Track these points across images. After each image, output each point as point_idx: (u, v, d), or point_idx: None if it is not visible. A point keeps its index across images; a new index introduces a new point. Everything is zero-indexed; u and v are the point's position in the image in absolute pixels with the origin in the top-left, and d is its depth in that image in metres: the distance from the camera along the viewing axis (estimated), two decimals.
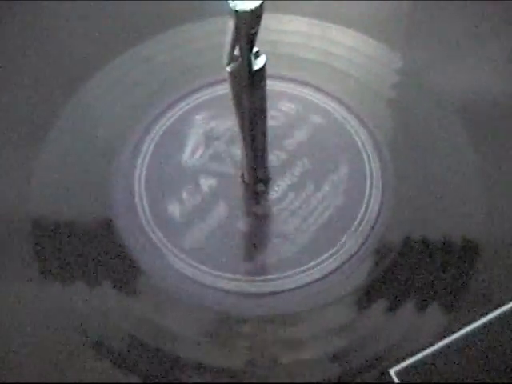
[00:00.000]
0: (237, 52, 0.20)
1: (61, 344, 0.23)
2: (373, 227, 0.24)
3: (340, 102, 0.27)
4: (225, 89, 0.22)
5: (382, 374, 0.20)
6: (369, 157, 0.26)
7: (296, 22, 0.30)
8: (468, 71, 0.29)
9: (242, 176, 0.26)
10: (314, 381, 0.21)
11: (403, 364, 0.20)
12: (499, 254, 0.24)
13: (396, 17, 0.31)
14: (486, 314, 0.21)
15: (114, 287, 0.24)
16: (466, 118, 0.27)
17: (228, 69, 0.21)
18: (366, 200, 0.25)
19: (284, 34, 0.29)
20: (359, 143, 0.26)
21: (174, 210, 0.25)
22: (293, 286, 0.23)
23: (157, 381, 0.22)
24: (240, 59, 0.20)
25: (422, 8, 0.31)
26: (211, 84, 0.28)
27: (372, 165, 0.26)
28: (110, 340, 0.23)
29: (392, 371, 0.19)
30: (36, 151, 0.28)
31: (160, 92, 0.28)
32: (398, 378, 0.19)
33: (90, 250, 0.25)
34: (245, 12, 0.18)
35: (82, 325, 0.23)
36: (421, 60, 0.29)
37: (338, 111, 0.27)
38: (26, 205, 0.26)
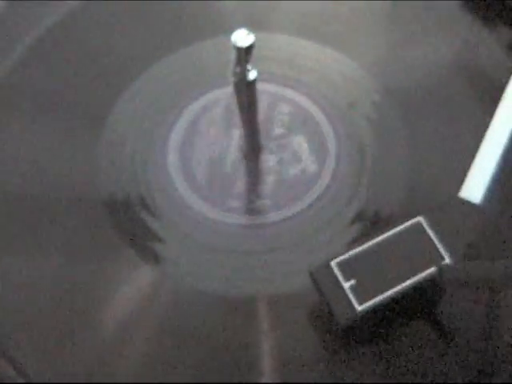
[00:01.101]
0: (238, 69, 0.32)
1: None
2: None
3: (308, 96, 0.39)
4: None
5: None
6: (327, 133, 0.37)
7: (278, 39, 0.41)
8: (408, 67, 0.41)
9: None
10: None
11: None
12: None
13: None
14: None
15: None
16: (399, 101, 0.38)
17: (233, 80, 0.33)
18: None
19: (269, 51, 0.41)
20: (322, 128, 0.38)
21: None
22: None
23: None
24: (240, 74, 0.32)
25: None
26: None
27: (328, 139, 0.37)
28: None
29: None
30: (96, 136, 0.38)
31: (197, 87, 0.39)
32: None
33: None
34: (242, 47, 0.30)
35: None
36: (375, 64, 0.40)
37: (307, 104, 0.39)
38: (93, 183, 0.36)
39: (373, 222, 0.34)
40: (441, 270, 0.29)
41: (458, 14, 0.42)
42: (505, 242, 0.33)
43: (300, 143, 0.37)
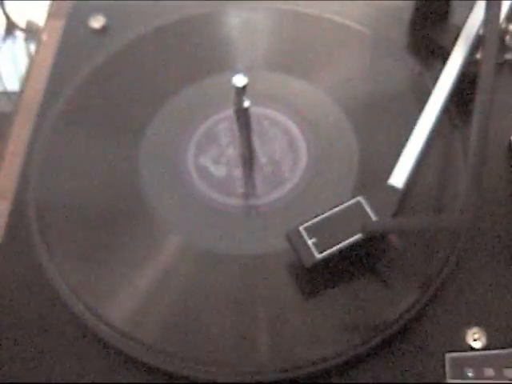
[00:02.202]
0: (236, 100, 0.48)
1: None
2: None
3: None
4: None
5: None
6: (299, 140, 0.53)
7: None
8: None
9: None
10: None
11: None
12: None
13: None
14: None
15: None
16: (348, 107, 0.54)
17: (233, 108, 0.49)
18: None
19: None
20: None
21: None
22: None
23: None
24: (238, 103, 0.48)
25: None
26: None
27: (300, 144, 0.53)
28: None
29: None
30: (138, 142, 0.54)
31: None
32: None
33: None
34: (239, 87, 0.46)
35: None
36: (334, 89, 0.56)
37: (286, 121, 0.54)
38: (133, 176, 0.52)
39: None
40: (365, 224, 0.44)
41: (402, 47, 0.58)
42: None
43: (281, 148, 0.53)
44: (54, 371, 0.45)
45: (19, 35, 1.08)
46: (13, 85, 1.07)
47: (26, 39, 1.08)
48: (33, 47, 1.08)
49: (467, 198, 0.42)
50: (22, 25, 1.06)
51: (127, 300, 0.47)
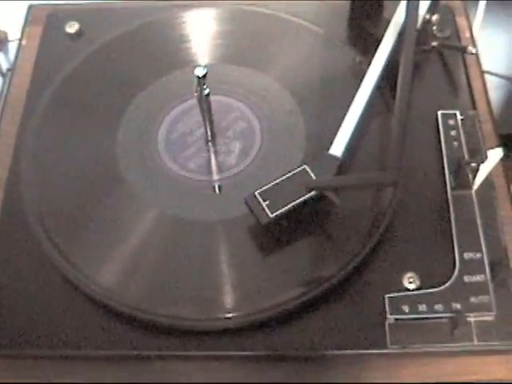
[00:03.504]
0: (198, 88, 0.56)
1: None
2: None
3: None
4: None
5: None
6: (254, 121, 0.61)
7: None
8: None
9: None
10: None
11: None
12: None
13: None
14: None
15: None
16: (295, 92, 0.62)
17: (196, 95, 0.56)
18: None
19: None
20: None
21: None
22: None
23: None
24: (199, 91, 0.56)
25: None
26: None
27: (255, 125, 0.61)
28: None
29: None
30: (115, 130, 0.61)
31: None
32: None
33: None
34: (199, 76, 0.54)
35: None
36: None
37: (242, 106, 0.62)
38: (112, 159, 0.59)
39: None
40: (308, 183, 0.53)
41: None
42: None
43: (239, 129, 0.61)
44: (48, 327, 0.53)
45: None
46: None
47: None
48: (1, 54, 1.14)
49: (392, 159, 0.50)
50: None
51: (112, 262, 0.54)
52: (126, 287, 0.53)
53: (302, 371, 0.52)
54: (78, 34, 0.70)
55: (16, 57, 0.71)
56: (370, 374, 0.52)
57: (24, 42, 0.72)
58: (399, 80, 0.54)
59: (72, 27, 0.70)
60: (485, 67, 0.68)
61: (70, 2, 0.75)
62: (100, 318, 0.53)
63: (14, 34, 1.10)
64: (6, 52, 1.14)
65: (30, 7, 0.76)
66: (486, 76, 0.85)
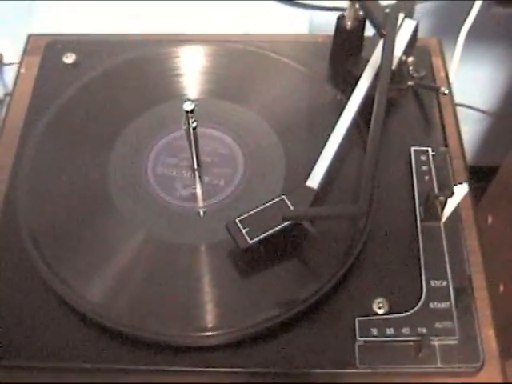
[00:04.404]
0: (185, 121, 0.60)
1: None
2: None
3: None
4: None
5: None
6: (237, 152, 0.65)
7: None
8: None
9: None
10: None
11: None
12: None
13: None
14: None
15: None
16: (276, 126, 0.65)
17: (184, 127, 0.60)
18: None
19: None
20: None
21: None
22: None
23: None
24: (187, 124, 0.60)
25: None
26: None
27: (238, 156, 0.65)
28: None
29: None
30: (107, 156, 0.64)
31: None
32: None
33: None
34: (187, 110, 0.58)
35: None
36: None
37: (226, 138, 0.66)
38: (104, 184, 0.63)
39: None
40: (285, 212, 0.56)
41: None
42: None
43: (223, 160, 0.65)
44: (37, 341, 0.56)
45: None
46: None
47: None
48: None
49: (362, 192, 0.54)
50: None
51: (101, 279, 0.58)
52: (113, 303, 0.56)
53: None
54: (75, 64, 0.74)
55: (14, 84, 0.75)
56: None
57: (22, 71, 0.76)
58: (372, 118, 0.58)
59: (69, 57, 0.74)
60: (463, 100, 0.72)
61: (68, 32, 0.79)
62: (87, 332, 0.56)
63: (9, 57, 1.14)
64: (1, 75, 1.18)
65: (29, 37, 0.79)
66: (464, 110, 0.90)
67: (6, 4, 1.05)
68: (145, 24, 0.93)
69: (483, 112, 1.19)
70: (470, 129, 1.22)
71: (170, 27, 0.85)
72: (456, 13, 0.95)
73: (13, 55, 1.12)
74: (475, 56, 1.10)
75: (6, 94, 1.07)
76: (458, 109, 0.72)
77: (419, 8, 0.74)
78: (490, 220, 1.08)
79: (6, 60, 1.14)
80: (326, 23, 0.78)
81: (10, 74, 1.15)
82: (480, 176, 1.01)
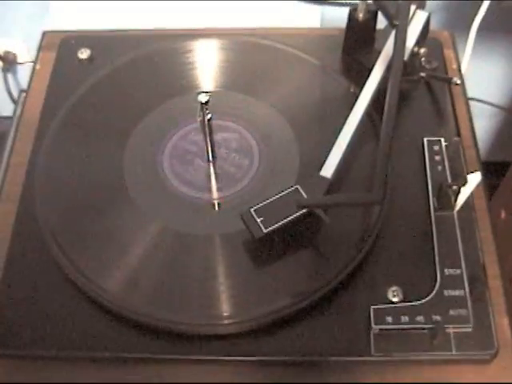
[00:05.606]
0: (201, 113, 0.61)
1: None
2: None
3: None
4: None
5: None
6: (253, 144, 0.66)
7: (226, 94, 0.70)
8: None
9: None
10: None
11: None
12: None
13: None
14: None
15: None
16: (291, 118, 0.66)
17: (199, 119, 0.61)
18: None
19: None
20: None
21: None
22: None
23: None
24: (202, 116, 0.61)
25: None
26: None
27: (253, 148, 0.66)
28: None
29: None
30: (123, 149, 0.65)
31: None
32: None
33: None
34: (202, 102, 0.59)
35: None
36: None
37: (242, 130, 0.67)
38: (120, 176, 0.64)
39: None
40: (299, 201, 0.56)
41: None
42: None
43: (238, 151, 0.66)
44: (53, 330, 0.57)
45: None
46: None
47: (3, 68, 1.17)
48: (10, 75, 1.19)
49: (376, 180, 0.55)
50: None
51: (118, 271, 0.59)
52: (131, 293, 0.57)
53: (292, 375, 0.56)
54: (90, 59, 0.75)
55: (30, 80, 0.76)
56: (354, 379, 0.56)
57: (38, 67, 0.77)
58: (385, 108, 0.58)
59: (84, 53, 0.75)
60: (474, 94, 0.73)
61: (82, 28, 0.80)
62: (105, 322, 0.57)
63: (22, 56, 1.15)
64: (14, 74, 1.19)
65: (44, 33, 0.80)
66: (476, 104, 0.90)
67: (18, 4, 1.07)
68: (159, 19, 0.94)
69: (495, 106, 1.19)
70: (482, 124, 1.22)
71: (183, 23, 0.86)
72: (467, 7, 0.95)
73: (26, 54, 1.13)
74: (487, 50, 1.10)
75: (21, 91, 1.08)
76: (471, 103, 0.73)
77: (430, 3, 0.74)
78: (502, 215, 1.08)
79: (19, 59, 1.16)
80: (338, 18, 0.78)
81: (23, 72, 1.16)
82: (493, 171, 1.01)
